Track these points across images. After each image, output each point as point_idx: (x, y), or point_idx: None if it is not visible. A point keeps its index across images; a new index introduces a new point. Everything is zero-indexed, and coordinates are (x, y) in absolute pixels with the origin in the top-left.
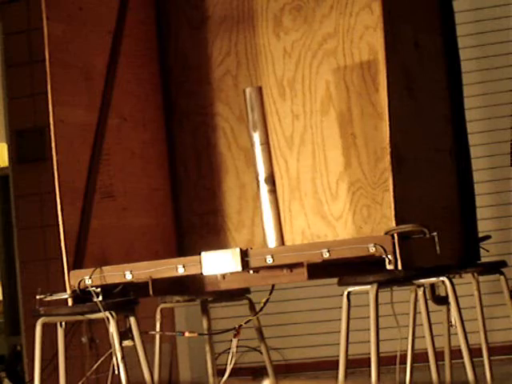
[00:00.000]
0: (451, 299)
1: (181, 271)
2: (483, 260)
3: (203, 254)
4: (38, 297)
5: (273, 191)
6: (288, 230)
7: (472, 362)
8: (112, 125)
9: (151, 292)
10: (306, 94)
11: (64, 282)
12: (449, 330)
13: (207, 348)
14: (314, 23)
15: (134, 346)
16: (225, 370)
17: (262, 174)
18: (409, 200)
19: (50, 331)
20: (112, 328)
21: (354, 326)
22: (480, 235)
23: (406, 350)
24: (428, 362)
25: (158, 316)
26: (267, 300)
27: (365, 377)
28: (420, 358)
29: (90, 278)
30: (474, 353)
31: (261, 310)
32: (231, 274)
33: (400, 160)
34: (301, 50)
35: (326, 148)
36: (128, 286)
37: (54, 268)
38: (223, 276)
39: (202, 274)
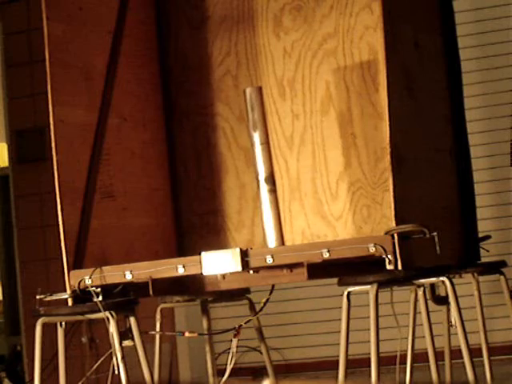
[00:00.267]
0: (451, 299)
1: (181, 271)
2: (483, 260)
3: (203, 254)
4: (38, 297)
5: (273, 191)
6: (288, 230)
7: (472, 362)
8: (112, 125)
9: (151, 292)
10: (305, 94)
11: (64, 282)
12: (449, 330)
13: (207, 348)
14: (313, 23)
15: (134, 346)
16: (225, 370)
17: (262, 173)
18: (409, 200)
19: (50, 331)
20: (112, 328)
21: (354, 326)
22: (480, 235)
23: (406, 350)
24: (428, 362)
25: (157, 316)
26: (267, 300)
27: (365, 377)
28: (420, 357)
29: (90, 278)
30: (474, 353)
31: (261, 310)
32: (231, 273)
33: (400, 160)
34: (301, 50)
35: (326, 148)
36: (128, 286)
37: (53, 268)
38: (223, 276)
39: (201, 273)
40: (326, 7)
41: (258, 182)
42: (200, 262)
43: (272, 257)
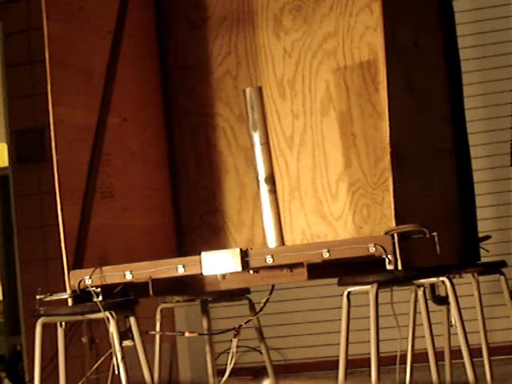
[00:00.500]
0: (451, 299)
1: (181, 271)
2: (483, 260)
3: (203, 254)
4: (37, 297)
5: (273, 191)
6: (288, 230)
7: (472, 362)
8: (112, 125)
9: (151, 292)
10: (305, 94)
11: (64, 282)
12: (449, 330)
13: (207, 348)
14: (313, 23)
15: (134, 346)
16: (225, 370)
17: (262, 174)
18: (409, 200)
19: (50, 331)
20: (112, 328)
21: (354, 326)
22: (480, 235)
23: (406, 350)
24: (428, 362)
25: (157, 316)
26: (267, 300)
27: (365, 377)
28: (420, 358)
29: (90, 278)
30: (474, 353)
31: (261, 310)
32: (231, 274)
33: (400, 160)
34: (301, 50)
35: (325, 148)
36: (128, 286)
37: (53, 268)
38: (223, 276)
39: (201, 273)
40: (325, 7)
41: (258, 182)
42: (200, 262)
43: (272, 257)
